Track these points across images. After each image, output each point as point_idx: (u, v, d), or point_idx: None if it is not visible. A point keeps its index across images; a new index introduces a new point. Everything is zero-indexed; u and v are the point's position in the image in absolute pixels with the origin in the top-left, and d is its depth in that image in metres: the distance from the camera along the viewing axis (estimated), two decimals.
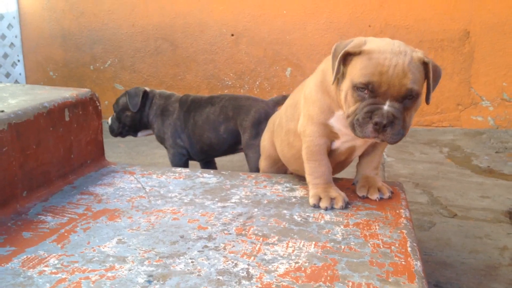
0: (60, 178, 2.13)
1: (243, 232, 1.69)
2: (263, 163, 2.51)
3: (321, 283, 1.36)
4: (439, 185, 3.38)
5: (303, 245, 1.59)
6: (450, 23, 4.75)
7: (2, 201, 1.78)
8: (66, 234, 1.67)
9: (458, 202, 3.06)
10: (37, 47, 5.87)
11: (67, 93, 2.24)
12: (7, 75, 5.75)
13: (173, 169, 2.37)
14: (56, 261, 1.48)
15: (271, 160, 2.44)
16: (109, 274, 1.41)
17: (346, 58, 1.75)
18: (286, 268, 1.44)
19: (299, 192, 2.08)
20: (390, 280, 1.38)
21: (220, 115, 3.06)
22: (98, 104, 2.42)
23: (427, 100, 1.76)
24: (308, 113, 1.96)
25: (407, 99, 1.67)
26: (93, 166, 2.38)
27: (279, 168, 2.45)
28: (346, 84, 1.75)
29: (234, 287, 1.35)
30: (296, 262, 1.48)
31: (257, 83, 5.35)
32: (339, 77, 1.78)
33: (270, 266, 1.46)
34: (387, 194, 2.00)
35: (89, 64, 5.80)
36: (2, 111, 1.84)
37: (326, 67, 1.91)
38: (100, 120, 2.45)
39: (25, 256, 1.51)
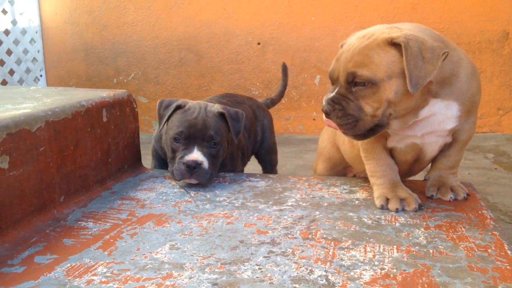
0: (98, 183, 1.95)
1: (310, 236, 1.49)
2: (320, 166, 2.31)
3: None
4: (492, 191, 3.14)
5: (384, 250, 1.38)
6: (487, 24, 4.54)
7: (39, 206, 1.61)
8: (111, 240, 1.48)
9: (501, 202, 2.83)
10: (59, 61, 5.78)
11: (103, 93, 2.08)
12: None
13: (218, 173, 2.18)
14: (105, 269, 1.29)
15: (331, 162, 2.24)
16: (168, 283, 1.22)
17: None
18: (372, 275, 1.24)
19: (361, 194, 1.88)
20: (500, 287, 1.16)
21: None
22: (135, 106, 2.26)
23: (409, 86, 1.46)
24: None
25: (357, 86, 1.52)
26: (131, 171, 2.21)
27: (338, 172, 2.25)
28: None
29: None
30: (382, 268, 1.27)
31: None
32: None
33: (351, 273, 1.25)
34: (461, 195, 1.78)
35: (112, 77, 5.68)
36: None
37: None
38: (137, 123, 2.29)
39: (69, 265, 1.32)
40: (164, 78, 5.50)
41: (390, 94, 1.49)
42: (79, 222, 1.63)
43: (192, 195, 1.92)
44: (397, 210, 1.68)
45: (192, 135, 1.95)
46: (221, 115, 2.04)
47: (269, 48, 5.13)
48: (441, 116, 1.64)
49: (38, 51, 5.69)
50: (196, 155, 1.93)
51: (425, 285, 1.18)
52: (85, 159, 1.86)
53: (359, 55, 1.49)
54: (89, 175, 1.89)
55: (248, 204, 1.79)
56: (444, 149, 1.80)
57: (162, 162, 2.28)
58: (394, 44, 1.48)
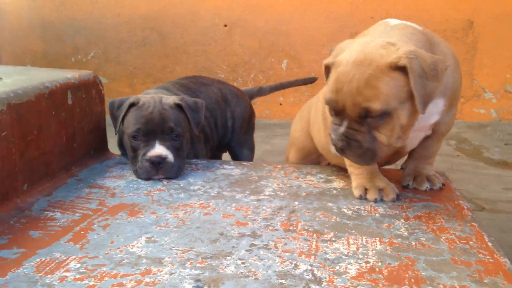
0: (62, 169, 1.85)
1: (291, 228, 1.45)
2: (293, 155, 2.27)
3: (406, 286, 1.13)
4: (456, 178, 3.20)
5: (367, 242, 1.36)
6: (453, 13, 4.60)
7: (1, 195, 1.50)
8: (82, 232, 1.40)
9: (481, 195, 2.88)
10: (14, 38, 5.50)
11: (68, 74, 1.96)
12: None
13: (188, 160, 2.10)
14: (78, 265, 1.21)
15: (305, 152, 2.20)
16: (147, 280, 1.15)
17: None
18: (357, 269, 1.21)
19: (338, 184, 1.86)
20: (485, 281, 1.16)
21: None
22: (101, 88, 2.14)
23: (419, 108, 1.43)
24: None
25: (370, 118, 1.44)
26: (96, 157, 2.10)
27: (312, 161, 2.21)
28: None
29: None
30: (367, 262, 1.25)
31: (252, 76, 5.11)
32: None
33: (337, 267, 1.22)
34: (437, 185, 1.79)
35: (70, 55, 5.44)
36: (0, 78, 1.56)
37: None
38: (103, 106, 2.18)
39: (38, 259, 1.23)
40: (125, 58, 5.32)
41: (403, 119, 1.45)
42: (46, 213, 1.53)
43: (165, 183, 1.84)
44: (375, 200, 1.66)
45: (150, 130, 1.87)
46: (178, 106, 1.95)
47: (236, 30, 5.04)
48: (427, 113, 1.61)
49: None
50: (159, 149, 1.86)
51: (412, 280, 1.16)
52: (49, 144, 1.75)
53: (367, 88, 1.40)
54: (54, 161, 1.79)
55: (225, 194, 1.74)
56: (423, 140, 1.79)
57: None
58: (397, 67, 1.41)
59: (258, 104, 5.10)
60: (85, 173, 1.92)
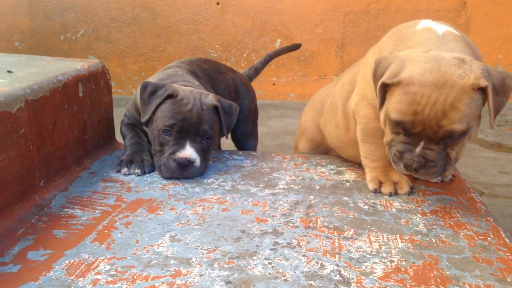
0: (75, 163, 1.84)
1: (311, 225, 1.47)
2: (302, 145, 2.28)
3: (433, 286, 1.17)
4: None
5: (388, 239, 1.39)
6: None
7: (20, 193, 1.49)
8: (106, 231, 1.40)
9: (480, 179, 2.95)
10: (0, 15, 5.35)
11: (78, 65, 1.93)
12: None
13: None
14: (108, 266, 1.22)
15: (314, 142, 2.22)
16: (179, 282, 1.17)
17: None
18: (383, 269, 1.24)
19: (349, 175, 1.88)
20: (508, 279, 1.20)
21: None
22: (109, 78, 2.12)
23: (490, 123, 1.48)
24: (364, 92, 1.74)
25: (449, 138, 1.45)
26: (106, 148, 2.09)
27: (321, 152, 2.23)
28: (383, 111, 1.56)
29: None
30: (391, 261, 1.28)
31: (245, 55, 5.07)
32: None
33: (363, 267, 1.25)
34: (448, 177, 1.82)
35: (59, 34, 5.33)
36: (11, 71, 1.53)
37: (385, 44, 1.71)
38: (111, 96, 2.16)
39: (67, 261, 1.24)
40: (116, 37, 5.24)
41: (472, 135, 1.47)
42: (65, 210, 1.53)
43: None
44: (390, 194, 1.69)
45: (185, 129, 1.80)
46: (215, 108, 1.88)
47: (229, 8, 4.97)
48: None
49: None
50: (188, 152, 1.78)
51: (438, 279, 1.20)
52: (63, 138, 1.74)
53: (453, 111, 1.39)
54: (67, 155, 1.77)
55: (239, 187, 1.75)
56: None
57: (137, 129, 2.08)
58: (478, 88, 1.41)
59: (251, 84, 5.08)
60: (97, 165, 1.91)
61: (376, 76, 1.56)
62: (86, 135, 1.91)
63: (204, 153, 1.85)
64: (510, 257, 1.31)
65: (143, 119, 1.86)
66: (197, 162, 1.80)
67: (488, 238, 1.40)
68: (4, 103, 1.40)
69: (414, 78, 1.43)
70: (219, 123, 1.92)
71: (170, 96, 1.83)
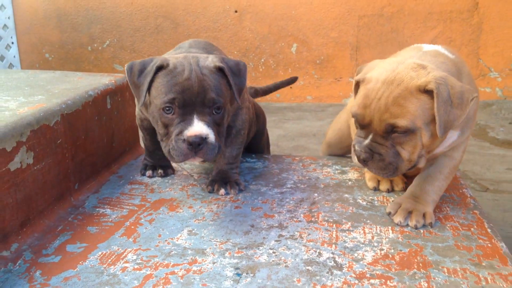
0: (105, 168, 2.06)
1: (313, 219, 1.66)
2: (329, 147, 2.39)
3: (415, 270, 1.34)
4: (463, 159, 3.38)
5: (380, 231, 1.57)
6: None
7: (58, 195, 1.71)
8: (132, 227, 1.61)
9: (486, 176, 3.07)
10: (31, 28, 5.67)
11: (106, 80, 2.15)
12: (1, 58, 5.55)
13: None
14: (135, 256, 1.43)
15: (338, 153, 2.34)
16: (195, 268, 1.37)
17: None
18: (373, 256, 1.42)
19: (352, 175, 2.05)
20: (483, 264, 1.36)
21: None
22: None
23: (438, 132, 1.48)
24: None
25: (395, 134, 1.52)
26: (131, 153, 2.31)
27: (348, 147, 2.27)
28: None
29: (327, 278, 1.32)
30: (381, 249, 1.45)
31: (262, 60, 5.27)
32: None
33: (355, 254, 1.43)
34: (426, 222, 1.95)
35: (86, 45, 5.63)
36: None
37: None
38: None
39: (100, 253, 1.45)
40: (140, 46, 5.50)
41: (425, 139, 1.52)
42: (97, 209, 1.74)
43: (196, 177, 2.05)
44: (388, 191, 1.86)
45: (188, 102, 1.55)
46: (219, 70, 1.63)
47: (246, 16, 5.18)
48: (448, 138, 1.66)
49: (9, 18, 5.56)
50: (197, 127, 1.54)
51: (420, 264, 1.37)
52: (94, 146, 1.96)
53: (395, 106, 1.48)
54: (98, 161, 1.99)
55: (251, 187, 1.94)
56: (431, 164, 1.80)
57: (152, 133, 1.94)
58: (425, 91, 1.48)
59: None
60: (124, 169, 2.13)
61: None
62: (114, 142, 2.13)
63: (217, 126, 1.62)
64: (489, 245, 1.46)
65: (140, 104, 1.62)
66: (211, 137, 1.55)
67: (472, 229, 1.56)
68: (43, 117, 1.62)
69: (373, 76, 1.57)
70: (228, 87, 1.67)
71: (161, 68, 1.60)
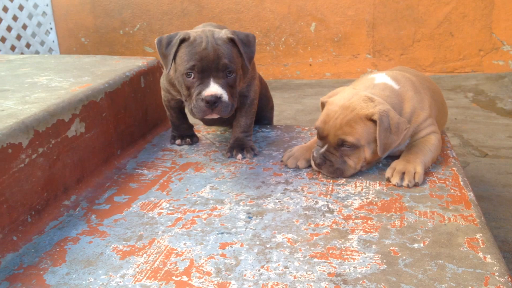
0: (141, 137, 2.42)
1: (314, 177, 1.98)
2: None
3: (392, 213, 1.66)
4: (468, 128, 3.64)
5: (369, 184, 1.88)
6: None
7: (105, 159, 2.09)
8: (165, 184, 1.97)
9: (487, 143, 3.33)
10: (67, 14, 6.08)
11: (139, 62, 2.50)
12: (42, 43, 5.99)
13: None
14: (168, 205, 1.79)
15: None
16: (215, 213, 1.72)
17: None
18: (360, 203, 1.74)
19: None
20: (450, 208, 1.67)
21: None
22: (163, 70, 2.68)
23: (379, 151, 1.89)
24: None
25: (344, 147, 1.92)
26: (163, 125, 2.67)
27: None
28: None
29: (320, 219, 1.65)
30: (367, 198, 1.78)
31: (283, 39, 5.55)
32: None
33: (346, 202, 1.75)
34: (412, 182, 2.24)
35: (118, 29, 6.00)
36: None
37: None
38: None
39: (140, 202, 1.82)
40: (168, 29, 5.84)
41: (367, 154, 1.93)
42: (136, 170, 2.11)
43: (217, 145, 2.39)
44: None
45: (205, 68, 1.88)
46: (231, 40, 1.96)
47: None
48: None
49: (47, 5, 5.96)
50: (214, 88, 1.87)
51: (397, 208, 1.68)
52: (131, 119, 2.32)
53: (347, 126, 1.88)
54: (135, 132, 2.36)
55: (264, 152, 2.27)
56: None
57: (177, 111, 2.32)
58: (371, 119, 1.87)
59: (290, 66, 5.56)
60: (157, 139, 2.49)
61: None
62: (148, 116, 2.49)
63: (230, 88, 1.94)
64: (459, 194, 1.77)
65: (167, 70, 1.98)
66: (224, 96, 1.88)
67: (447, 182, 1.87)
68: (91, 95, 1.99)
69: (333, 101, 1.98)
70: (240, 56, 2.00)
71: (184, 40, 1.94)
